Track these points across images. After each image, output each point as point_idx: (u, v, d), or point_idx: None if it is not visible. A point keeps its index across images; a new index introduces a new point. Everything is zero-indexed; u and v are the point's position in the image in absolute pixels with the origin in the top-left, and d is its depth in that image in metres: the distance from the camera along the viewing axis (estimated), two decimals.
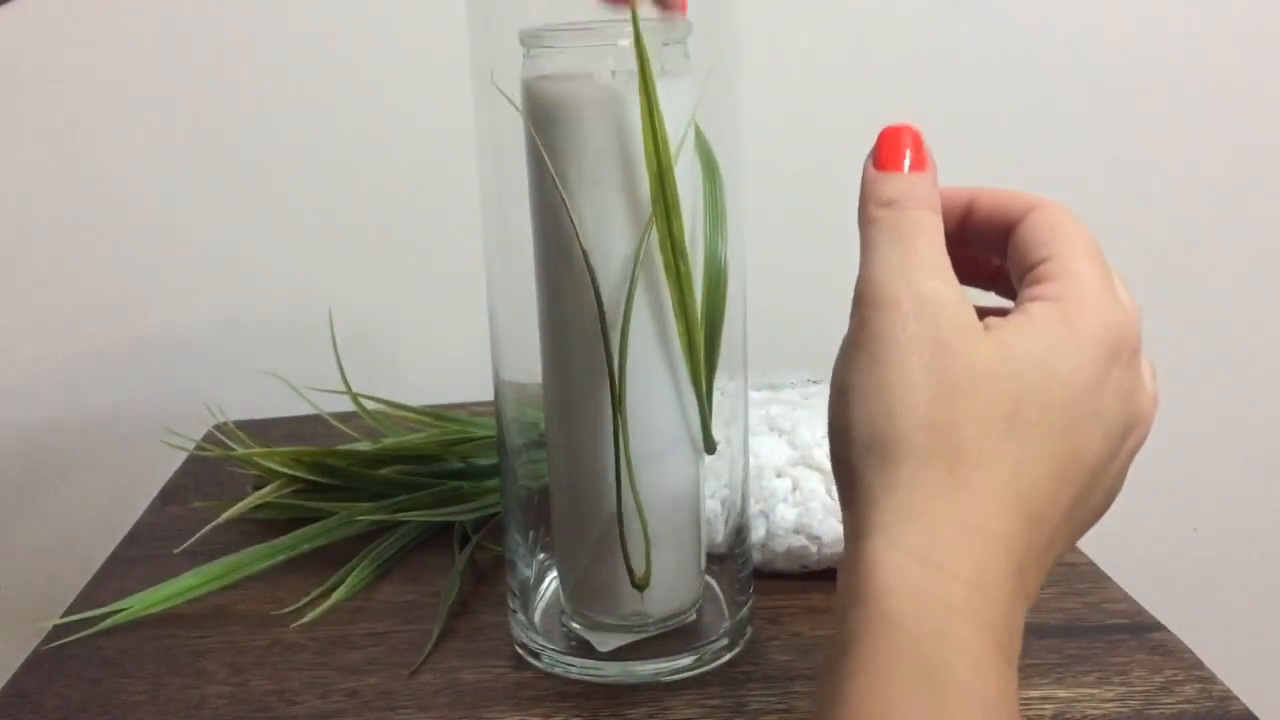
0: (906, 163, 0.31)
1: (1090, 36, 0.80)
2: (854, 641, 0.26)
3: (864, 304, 0.29)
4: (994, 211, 0.32)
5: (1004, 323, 0.29)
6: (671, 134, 0.38)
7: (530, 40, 0.40)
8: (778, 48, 0.78)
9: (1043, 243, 0.30)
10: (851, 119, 0.80)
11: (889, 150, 0.31)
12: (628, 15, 0.37)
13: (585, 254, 0.40)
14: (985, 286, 0.36)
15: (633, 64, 0.37)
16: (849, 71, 0.79)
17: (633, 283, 0.40)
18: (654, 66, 0.37)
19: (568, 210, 0.40)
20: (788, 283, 0.82)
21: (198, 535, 0.57)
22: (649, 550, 0.43)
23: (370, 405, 0.64)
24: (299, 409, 0.67)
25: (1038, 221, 0.31)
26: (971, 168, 0.81)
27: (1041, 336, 0.28)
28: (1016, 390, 0.27)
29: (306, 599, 0.53)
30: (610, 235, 0.40)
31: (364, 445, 0.62)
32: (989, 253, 0.34)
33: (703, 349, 0.42)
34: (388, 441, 0.62)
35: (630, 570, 0.43)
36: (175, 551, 0.58)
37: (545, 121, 0.40)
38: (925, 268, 0.29)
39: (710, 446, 0.44)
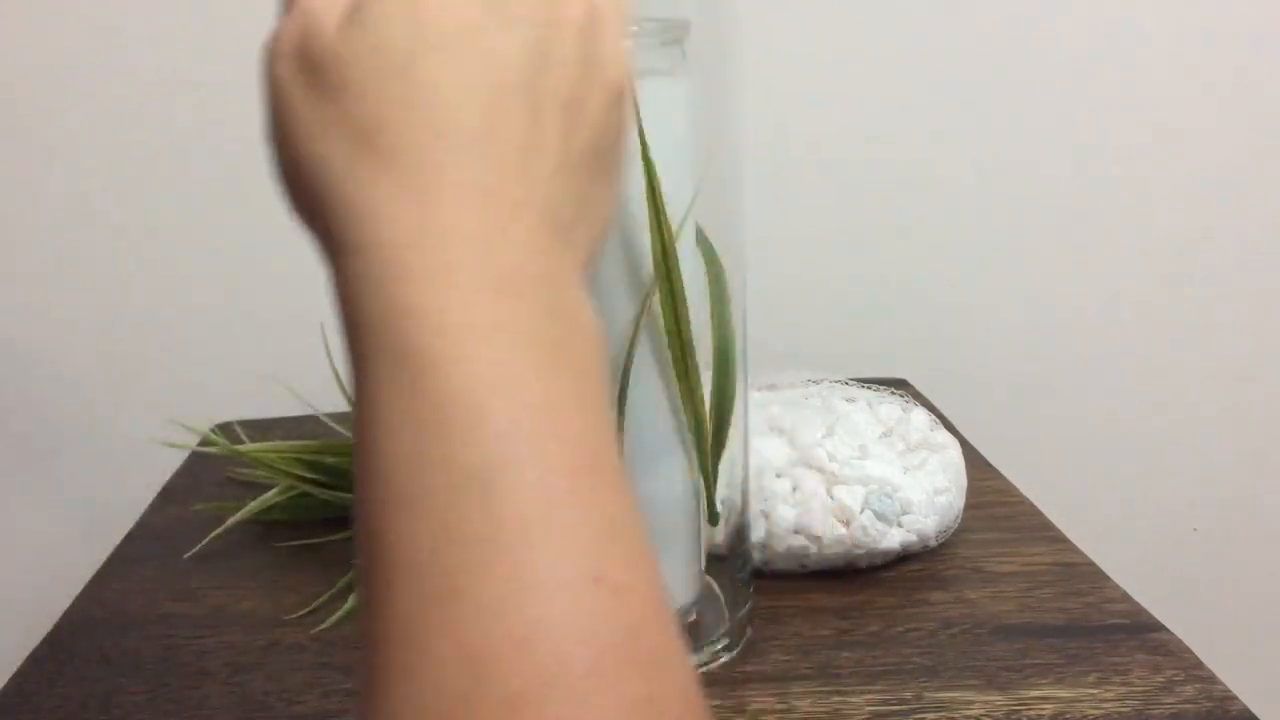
0: None
1: (1090, 36, 0.80)
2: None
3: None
4: None
5: None
6: (669, 135, 0.38)
7: None
8: (777, 47, 0.78)
9: None
10: (850, 118, 0.80)
11: None
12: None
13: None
14: None
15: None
16: (848, 71, 0.79)
17: (631, 350, 0.40)
18: (652, 64, 0.37)
19: None
20: (788, 279, 0.82)
21: (209, 538, 0.57)
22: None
23: None
24: (299, 409, 0.67)
25: None
26: (971, 167, 0.81)
27: None
28: (388, 44, 0.26)
29: (308, 601, 0.53)
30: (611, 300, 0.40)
31: None
32: None
33: (710, 438, 0.43)
34: None
35: None
36: (186, 556, 0.58)
37: None
38: None
39: (714, 519, 0.45)
